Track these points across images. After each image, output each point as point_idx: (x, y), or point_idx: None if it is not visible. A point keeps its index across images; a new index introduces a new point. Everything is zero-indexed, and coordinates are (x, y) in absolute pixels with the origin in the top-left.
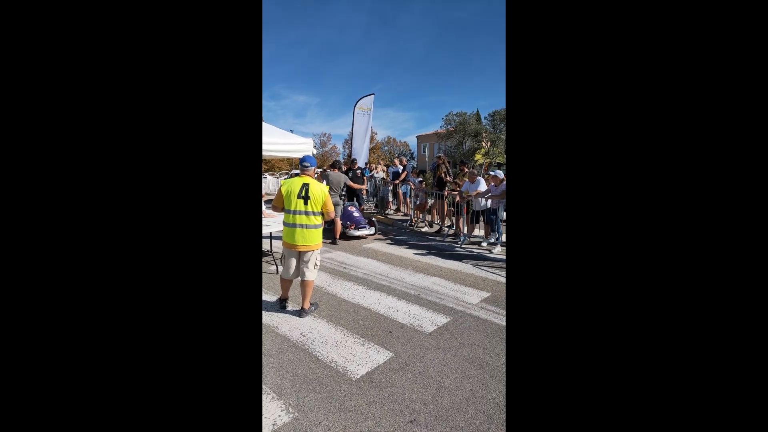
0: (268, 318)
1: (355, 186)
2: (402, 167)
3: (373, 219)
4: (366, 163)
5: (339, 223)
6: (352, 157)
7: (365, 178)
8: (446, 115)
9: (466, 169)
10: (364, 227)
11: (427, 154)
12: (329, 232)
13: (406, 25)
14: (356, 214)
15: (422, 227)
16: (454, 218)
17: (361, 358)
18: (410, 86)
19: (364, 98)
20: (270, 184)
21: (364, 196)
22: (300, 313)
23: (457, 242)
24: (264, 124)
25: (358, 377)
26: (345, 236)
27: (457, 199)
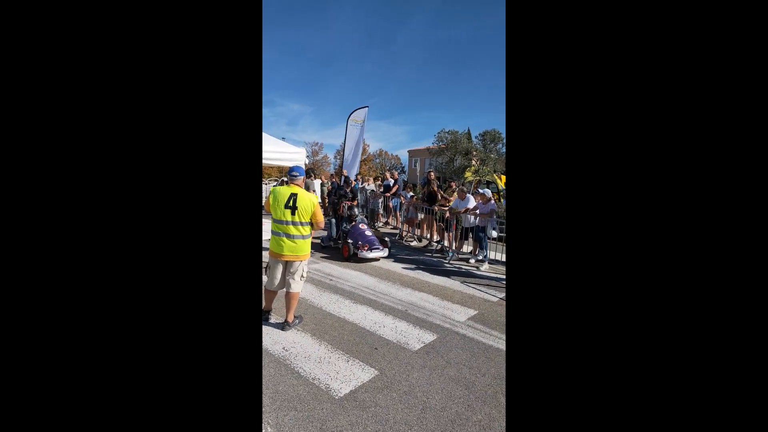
0: None
1: (339, 210)
2: (393, 180)
3: (386, 239)
4: (357, 175)
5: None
6: (344, 168)
7: (356, 191)
8: (438, 132)
9: (454, 186)
10: (378, 248)
11: (418, 168)
12: (336, 251)
13: (403, 43)
14: (368, 233)
15: (411, 241)
16: (444, 233)
17: (345, 375)
18: (404, 101)
19: (358, 110)
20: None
21: (357, 210)
22: (283, 326)
23: (445, 258)
24: None
25: (341, 396)
26: (356, 258)
27: (447, 215)
